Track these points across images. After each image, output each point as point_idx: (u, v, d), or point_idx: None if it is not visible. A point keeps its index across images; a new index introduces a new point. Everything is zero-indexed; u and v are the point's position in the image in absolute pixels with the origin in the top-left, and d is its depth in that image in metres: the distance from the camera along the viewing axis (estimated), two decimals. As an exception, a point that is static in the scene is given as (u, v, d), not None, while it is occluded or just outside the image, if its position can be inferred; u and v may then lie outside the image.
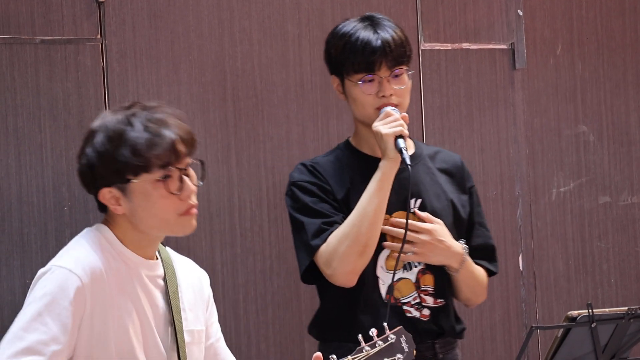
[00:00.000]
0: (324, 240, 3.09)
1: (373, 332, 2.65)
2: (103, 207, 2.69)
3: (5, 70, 3.73)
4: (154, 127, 2.58)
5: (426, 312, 3.19)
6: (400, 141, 3.06)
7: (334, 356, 2.54)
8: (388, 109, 3.10)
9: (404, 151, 3.04)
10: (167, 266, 2.70)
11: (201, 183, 2.67)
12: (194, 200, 2.64)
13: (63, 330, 2.46)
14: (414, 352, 2.71)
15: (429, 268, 3.20)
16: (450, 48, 4.26)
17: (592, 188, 4.48)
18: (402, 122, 3.08)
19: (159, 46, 3.91)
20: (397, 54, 3.13)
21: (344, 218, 3.12)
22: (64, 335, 2.47)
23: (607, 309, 3.02)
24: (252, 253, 3.97)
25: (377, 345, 2.62)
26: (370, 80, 3.12)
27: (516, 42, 4.37)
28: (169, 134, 2.58)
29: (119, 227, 2.66)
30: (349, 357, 2.57)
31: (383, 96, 3.12)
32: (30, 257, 3.75)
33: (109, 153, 2.59)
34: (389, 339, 2.65)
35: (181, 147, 2.59)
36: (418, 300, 3.17)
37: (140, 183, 2.58)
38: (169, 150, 2.58)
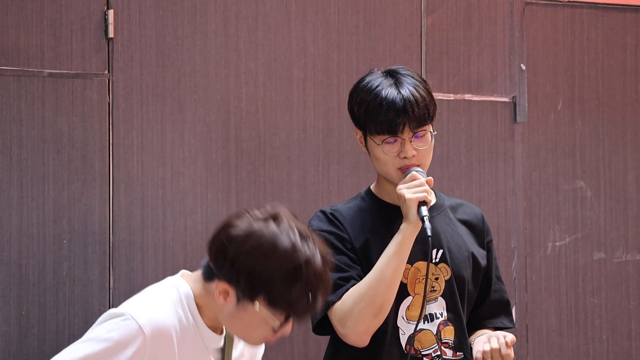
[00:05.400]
0: (339, 297, 3.03)
1: None
2: (209, 276, 2.53)
3: (12, 101, 3.75)
4: (315, 291, 2.45)
5: None
6: (423, 209, 3.00)
7: None
8: (414, 172, 3.05)
9: (426, 220, 2.98)
10: (228, 339, 2.65)
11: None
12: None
13: None
14: None
15: (450, 320, 3.15)
16: (452, 98, 4.30)
17: (588, 244, 4.50)
18: (426, 187, 3.03)
19: (165, 84, 3.94)
20: (419, 115, 3.06)
21: (361, 272, 3.06)
22: None
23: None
24: (248, 294, 3.98)
25: None
26: (393, 141, 3.06)
27: (518, 96, 4.42)
28: (318, 304, 2.48)
29: (206, 300, 2.55)
30: None
31: (405, 157, 3.07)
32: (27, 288, 3.75)
33: (267, 274, 2.43)
34: None
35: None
36: (438, 352, 3.11)
37: (259, 312, 2.46)
38: (308, 312, 2.48)
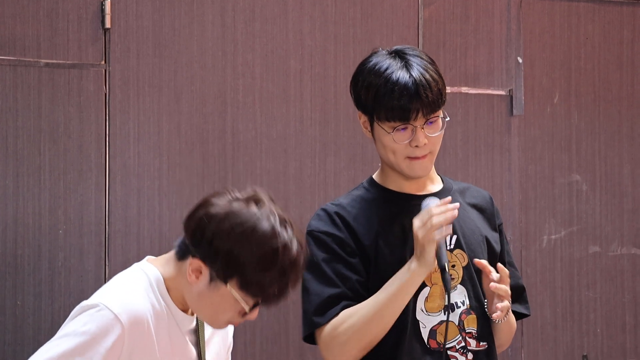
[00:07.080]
0: (328, 320, 2.79)
1: None
2: (183, 254, 2.49)
3: (8, 91, 3.75)
4: (287, 279, 2.42)
5: (470, 356, 2.90)
6: (444, 254, 2.73)
7: None
8: (432, 207, 2.76)
9: (447, 274, 2.73)
10: (199, 320, 2.64)
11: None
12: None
13: None
14: None
15: (472, 308, 2.91)
16: (449, 91, 4.23)
17: (583, 237, 4.51)
18: (447, 218, 2.73)
19: (161, 75, 3.94)
20: (433, 100, 2.80)
21: (355, 283, 2.82)
22: None
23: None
24: (243, 285, 3.98)
25: None
26: (404, 129, 2.82)
27: (514, 89, 4.42)
28: (289, 292, 2.45)
29: (176, 279, 2.52)
30: None
31: (416, 145, 2.82)
32: (23, 278, 3.75)
33: (244, 256, 2.40)
34: None
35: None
36: (463, 344, 2.88)
37: (231, 293, 2.43)
38: (278, 299, 2.46)
